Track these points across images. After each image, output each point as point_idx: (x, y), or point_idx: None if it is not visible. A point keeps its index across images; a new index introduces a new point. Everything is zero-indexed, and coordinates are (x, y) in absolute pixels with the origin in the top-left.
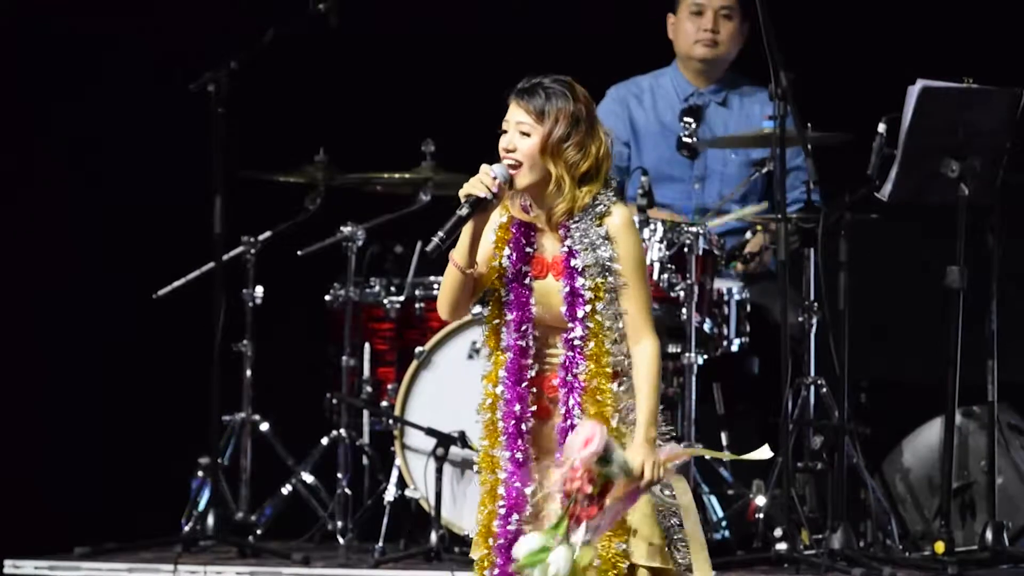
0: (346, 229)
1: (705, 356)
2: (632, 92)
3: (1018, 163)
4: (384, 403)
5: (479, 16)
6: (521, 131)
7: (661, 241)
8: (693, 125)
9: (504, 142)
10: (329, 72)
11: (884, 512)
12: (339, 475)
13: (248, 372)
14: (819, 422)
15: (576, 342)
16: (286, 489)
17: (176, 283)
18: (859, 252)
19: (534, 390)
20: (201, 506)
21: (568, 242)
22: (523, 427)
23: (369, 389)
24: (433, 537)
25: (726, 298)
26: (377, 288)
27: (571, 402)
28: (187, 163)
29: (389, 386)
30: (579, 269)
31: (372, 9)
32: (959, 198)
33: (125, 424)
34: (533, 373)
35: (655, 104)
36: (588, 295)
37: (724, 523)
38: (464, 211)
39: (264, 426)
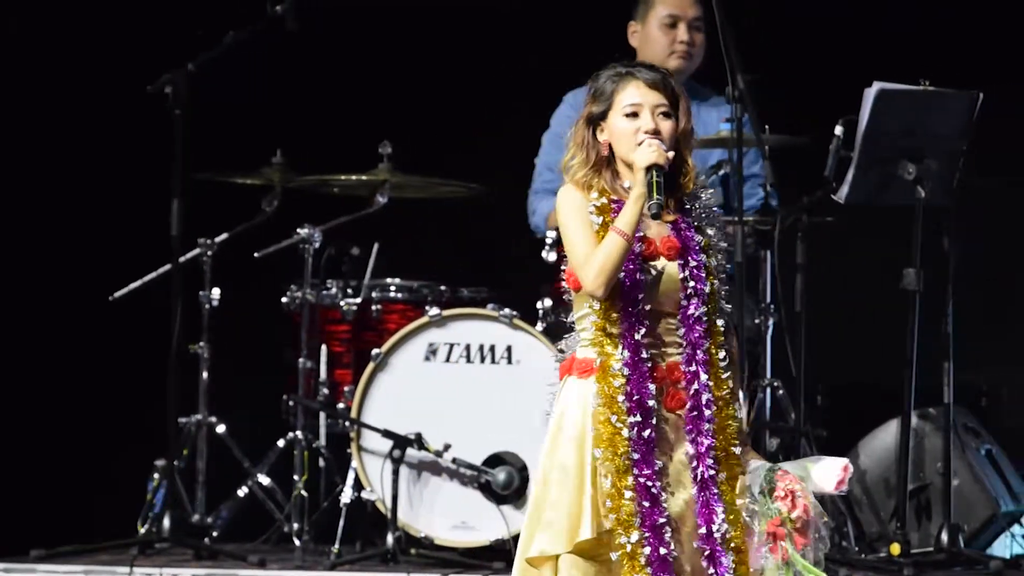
0: (303, 231)
1: None
2: None
3: (974, 165)
4: (341, 405)
5: (435, 19)
6: (662, 112)
7: None
8: None
9: (644, 123)
10: (286, 74)
11: (840, 514)
12: (295, 477)
13: (204, 374)
14: (776, 424)
15: (702, 317)
16: (242, 491)
17: (133, 285)
18: (816, 254)
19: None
20: (157, 508)
21: (690, 220)
22: (649, 404)
23: (326, 391)
24: (390, 539)
25: None
26: (334, 290)
27: (699, 382)
28: (144, 165)
29: (346, 388)
30: (701, 246)
31: (329, 11)
32: (916, 200)
33: (81, 426)
34: (647, 355)
35: None
36: (705, 273)
37: None
38: (660, 177)
39: (220, 428)
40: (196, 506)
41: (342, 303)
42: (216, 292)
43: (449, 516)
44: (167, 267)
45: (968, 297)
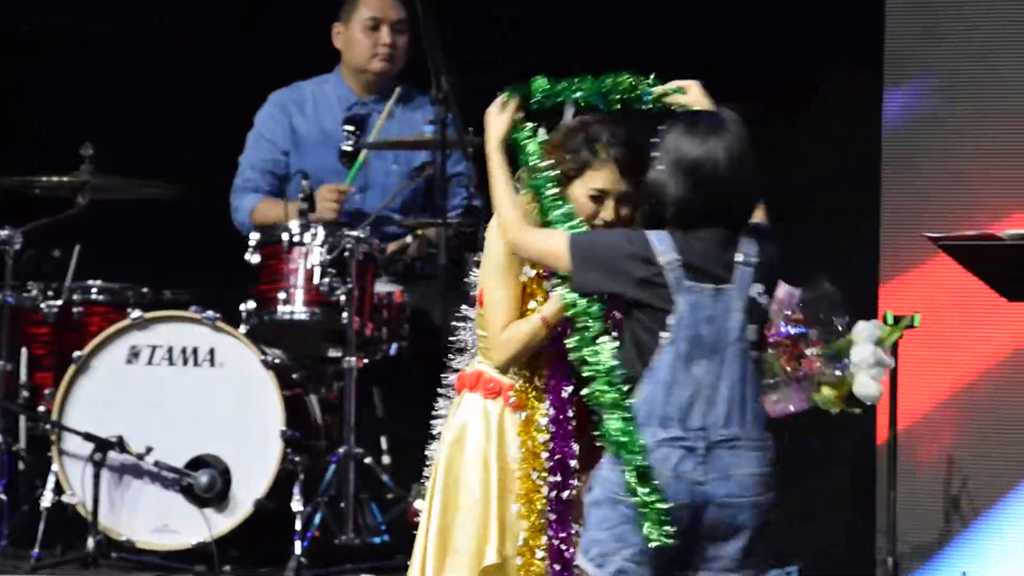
0: (2, 233)
1: (366, 360)
2: (293, 99)
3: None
4: (41, 408)
5: (141, 17)
6: (626, 202)
7: (322, 245)
8: (355, 134)
9: (606, 214)
10: None
11: None
12: None
13: None
14: None
15: None
16: None
17: None
18: None
19: None
20: None
21: None
22: (571, 464)
23: (26, 394)
24: (90, 543)
25: (385, 302)
26: (34, 292)
27: None
28: None
29: (46, 391)
30: None
31: (25, 6)
32: None
33: None
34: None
35: (317, 112)
36: None
37: (384, 527)
38: None
39: None
40: None
41: (43, 305)
42: None
43: (151, 519)
44: None
45: None
